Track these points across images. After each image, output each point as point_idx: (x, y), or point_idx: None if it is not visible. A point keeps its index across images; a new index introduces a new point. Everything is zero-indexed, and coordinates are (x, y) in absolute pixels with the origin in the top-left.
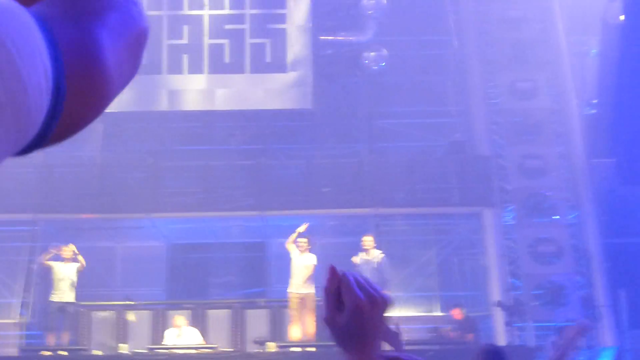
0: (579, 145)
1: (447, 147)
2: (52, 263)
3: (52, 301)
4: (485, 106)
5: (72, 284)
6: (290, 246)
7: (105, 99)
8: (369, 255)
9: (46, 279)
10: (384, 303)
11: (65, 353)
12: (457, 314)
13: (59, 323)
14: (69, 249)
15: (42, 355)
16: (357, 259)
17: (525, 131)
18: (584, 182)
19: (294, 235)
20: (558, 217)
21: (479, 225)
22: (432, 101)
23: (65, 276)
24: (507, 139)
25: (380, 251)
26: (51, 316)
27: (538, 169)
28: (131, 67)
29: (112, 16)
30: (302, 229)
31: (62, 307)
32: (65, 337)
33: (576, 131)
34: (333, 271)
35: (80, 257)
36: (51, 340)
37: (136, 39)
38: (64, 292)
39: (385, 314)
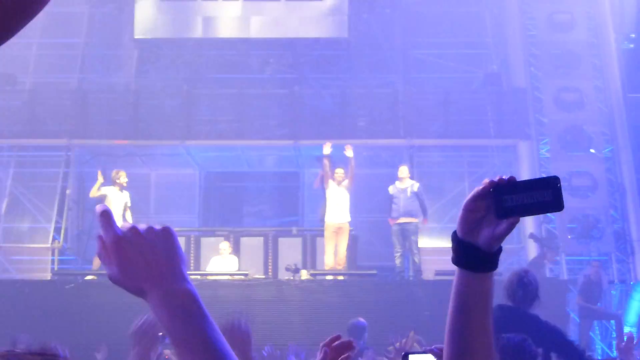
0: (616, 79)
1: (483, 78)
2: (106, 190)
3: None
4: (522, 38)
5: (125, 210)
6: (325, 179)
7: None
8: (404, 184)
9: (80, 205)
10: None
11: (93, 277)
12: None
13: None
14: (124, 175)
15: (74, 279)
16: (392, 189)
17: (562, 64)
18: (620, 116)
19: (326, 164)
20: (593, 150)
21: (514, 158)
22: (469, 32)
23: (121, 202)
24: (544, 71)
25: (415, 181)
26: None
27: (574, 102)
28: None
29: None
30: (327, 149)
31: None
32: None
33: (613, 65)
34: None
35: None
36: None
37: None
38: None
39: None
